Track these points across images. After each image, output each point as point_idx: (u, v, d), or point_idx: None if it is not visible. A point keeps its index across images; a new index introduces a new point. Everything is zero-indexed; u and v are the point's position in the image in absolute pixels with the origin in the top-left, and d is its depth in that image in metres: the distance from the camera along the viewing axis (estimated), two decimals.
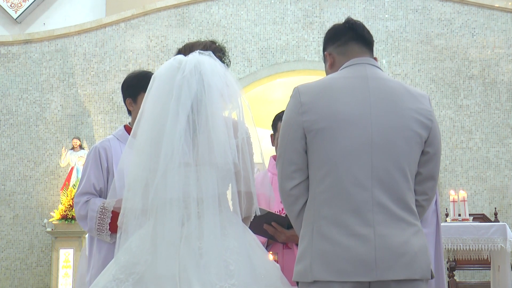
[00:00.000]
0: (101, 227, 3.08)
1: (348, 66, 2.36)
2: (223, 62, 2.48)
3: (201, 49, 2.42)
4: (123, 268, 2.22)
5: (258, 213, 2.45)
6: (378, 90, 2.28)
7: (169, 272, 2.14)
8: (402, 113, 2.26)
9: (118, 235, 2.28)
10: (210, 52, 2.37)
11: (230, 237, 2.24)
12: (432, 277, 2.25)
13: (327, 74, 2.46)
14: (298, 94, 2.30)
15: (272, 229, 3.04)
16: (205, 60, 2.33)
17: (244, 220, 2.41)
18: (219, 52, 2.50)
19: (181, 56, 2.38)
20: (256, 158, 2.48)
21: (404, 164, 2.23)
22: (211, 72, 2.31)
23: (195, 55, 2.35)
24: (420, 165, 2.30)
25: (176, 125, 2.23)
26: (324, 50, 2.48)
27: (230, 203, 2.35)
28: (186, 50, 2.50)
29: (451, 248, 5.94)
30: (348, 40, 2.41)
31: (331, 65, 2.44)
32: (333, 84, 2.31)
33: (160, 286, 2.14)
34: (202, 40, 2.59)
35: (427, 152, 2.31)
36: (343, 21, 2.47)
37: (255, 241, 2.35)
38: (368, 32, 2.45)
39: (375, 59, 2.44)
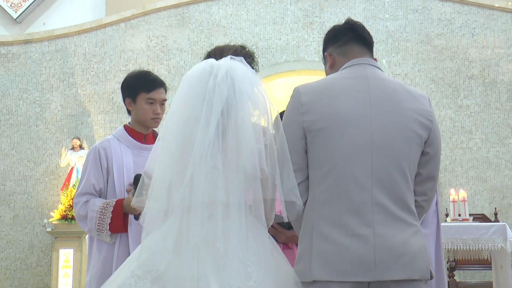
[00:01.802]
0: (100, 227, 3.08)
1: (349, 67, 2.36)
2: (252, 67, 2.49)
3: (232, 54, 2.44)
4: (142, 265, 2.23)
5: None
6: (378, 91, 2.28)
7: (188, 273, 2.15)
8: (402, 113, 2.26)
9: (143, 235, 2.27)
10: (242, 58, 2.39)
11: (250, 240, 2.24)
12: (431, 277, 2.25)
13: (327, 74, 2.46)
14: (298, 94, 2.31)
15: (273, 229, 3.04)
16: (237, 65, 2.35)
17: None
18: (249, 57, 2.52)
19: (213, 60, 2.39)
20: None
21: (404, 165, 2.24)
22: (242, 77, 2.32)
23: (227, 60, 2.36)
24: (420, 165, 2.30)
25: (207, 130, 2.24)
26: (324, 51, 2.49)
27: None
28: (216, 53, 2.51)
29: (451, 248, 5.94)
30: (348, 40, 2.41)
31: (331, 66, 2.44)
32: (333, 84, 2.31)
33: (178, 286, 2.15)
34: (232, 44, 2.60)
35: (427, 153, 2.31)
36: (343, 22, 2.47)
37: (275, 246, 2.34)
38: (368, 32, 2.46)
39: (375, 59, 2.44)
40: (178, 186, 2.24)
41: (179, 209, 2.23)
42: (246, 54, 2.52)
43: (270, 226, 2.72)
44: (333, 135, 2.22)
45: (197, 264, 2.16)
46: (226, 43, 2.68)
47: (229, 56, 2.39)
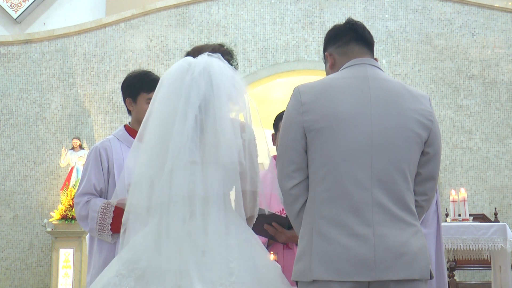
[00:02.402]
0: (102, 227, 3.08)
1: (349, 67, 2.36)
2: (231, 64, 2.51)
3: (210, 52, 2.46)
4: (126, 264, 2.24)
5: (261, 213, 2.46)
6: (378, 91, 2.28)
7: (170, 268, 2.16)
8: (402, 113, 2.26)
9: (121, 231, 2.31)
10: (219, 55, 2.41)
11: (232, 236, 2.25)
12: (431, 277, 2.25)
13: (327, 74, 2.46)
14: (298, 93, 2.31)
15: (273, 229, 3.04)
16: (214, 61, 2.38)
17: (248, 219, 2.42)
18: (227, 55, 2.54)
19: (190, 58, 2.42)
20: (263, 159, 2.50)
21: (404, 165, 2.24)
22: (219, 73, 2.35)
23: (204, 57, 2.39)
24: (420, 165, 2.30)
25: (184, 125, 2.26)
26: (324, 50, 2.49)
27: (233, 203, 2.36)
28: (195, 52, 2.53)
29: (451, 248, 5.94)
30: (348, 40, 2.41)
31: (332, 66, 2.45)
32: (333, 84, 2.31)
33: (161, 282, 2.17)
34: (211, 43, 2.63)
35: (427, 153, 2.31)
36: (344, 21, 2.48)
37: (257, 241, 2.36)
38: (369, 32, 2.46)
39: (376, 59, 2.45)
40: (158, 182, 2.26)
41: (158, 204, 2.25)
42: (224, 52, 2.53)
43: (256, 219, 2.74)
44: (333, 135, 2.22)
45: (179, 259, 2.18)
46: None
47: (206, 53, 2.41)
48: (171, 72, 2.39)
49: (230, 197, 2.33)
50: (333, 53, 2.44)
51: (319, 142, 2.24)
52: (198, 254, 2.18)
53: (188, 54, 2.56)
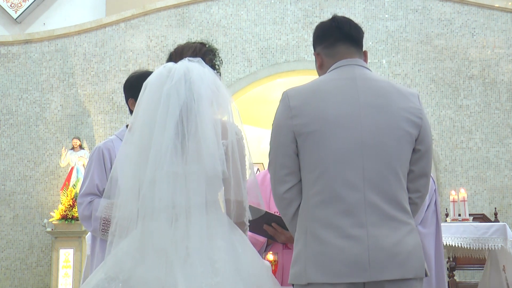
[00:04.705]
0: (106, 228, 3.08)
1: (336, 68, 2.36)
2: (214, 63, 2.50)
3: (191, 54, 2.45)
4: (113, 267, 2.25)
5: (251, 218, 2.45)
6: (367, 91, 2.29)
7: (154, 276, 2.17)
8: (391, 112, 2.26)
9: (108, 241, 2.30)
10: (199, 59, 2.40)
11: (217, 237, 2.26)
12: (426, 275, 2.25)
13: (317, 73, 2.47)
14: (287, 98, 2.31)
15: (272, 229, 3.04)
16: (194, 67, 2.36)
17: (239, 225, 2.40)
18: (209, 54, 2.52)
19: (171, 64, 2.41)
20: (253, 158, 2.49)
21: (396, 164, 2.24)
22: (200, 79, 2.33)
23: (184, 63, 2.38)
24: (412, 163, 2.31)
25: (164, 134, 2.25)
26: (314, 48, 2.49)
27: (223, 205, 2.37)
28: (177, 55, 2.51)
29: (451, 248, 5.95)
30: (334, 41, 2.41)
31: (320, 66, 2.45)
32: (321, 87, 2.32)
33: (146, 284, 2.18)
34: (192, 42, 2.59)
35: (419, 150, 2.31)
36: (330, 18, 2.46)
37: (245, 241, 2.36)
38: (356, 27, 2.43)
39: (365, 53, 2.44)
40: (141, 193, 2.26)
41: (141, 214, 2.25)
42: (206, 52, 2.51)
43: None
44: (323, 138, 2.22)
45: (164, 267, 2.18)
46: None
47: (187, 59, 2.39)
48: (152, 78, 2.38)
49: (217, 200, 2.32)
50: (321, 53, 2.44)
51: (310, 146, 2.24)
52: (181, 259, 2.18)
53: (171, 56, 2.54)
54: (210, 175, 2.25)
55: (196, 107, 2.29)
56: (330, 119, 2.23)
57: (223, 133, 2.32)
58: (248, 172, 2.42)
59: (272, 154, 2.33)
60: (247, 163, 2.41)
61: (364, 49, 2.47)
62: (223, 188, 2.31)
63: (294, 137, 2.26)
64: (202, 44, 2.55)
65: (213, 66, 2.48)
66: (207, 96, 2.31)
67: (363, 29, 2.50)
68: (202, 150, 2.25)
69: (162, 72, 2.37)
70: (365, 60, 2.44)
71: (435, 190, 3.27)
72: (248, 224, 2.45)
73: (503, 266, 5.93)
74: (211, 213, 2.28)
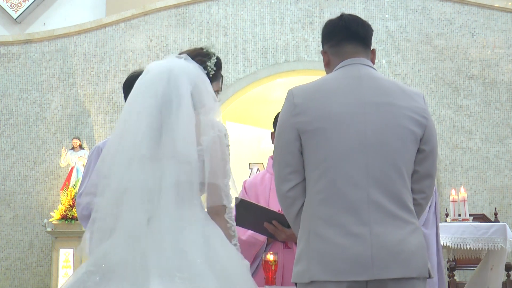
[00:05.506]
0: None
1: (342, 67, 2.37)
2: (206, 64, 2.58)
3: (188, 53, 2.57)
4: (95, 261, 2.33)
5: (233, 204, 2.51)
6: (371, 90, 2.29)
7: (128, 262, 2.24)
8: (396, 111, 2.26)
9: (88, 235, 2.40)
10: (186, 56, 2.50)
11: (191, 231, 2.30)
12: (430, 276, 2.25)
13: (325, 71, 2.48)
14: (291, 96, 2.32)
15: (272, 227, 3.05)
16: (176, 62, 2.46)
17: (211, 210, 2.45)
18: (200, 56, 2.61)
19: (157, 61, 2.53)
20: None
21: (400, 163, 2.24)
22: (181, 73, 2.42)
23: (169, 59, 2.49)
24: (416, 163, 2.30)
25: (141, 123, 2.35)
26: (322, 46, 2.50)
27: (203, 198, 2.43)
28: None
29: (451, 248, 5.94)
30: (341, 40, 2.41)
31: (327, 64, 2.46)
32: (326, 85, 2.32)
33: (120, 276, 2.24)
34: (192, 48, 2.72)
35: (423, 150, 2.31)
36: (339, 15, 2.47)
37: (219, 236, 2.39)
38: (364, 26, 2.43)
39: (373, 51, 2.44)
40: (114, 178, 2.35)
41: (116, 200, 2.33)
42: (199, 53, 2.61)
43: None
44: (327, 136, 2.22)
45: (138, 250, 2.25)
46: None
47: (174, 55, 2.50)
48: (142, 74, 2.50)
49: (191, 190, 2.37)
50: (327, 52, 2.45)
51: (314, 143, 2.24)
52: (155, 247, 2.24)
53: None
54: (183, 159, 2.32)
55: (175, 98, 2.36)
56: (334, 117, 2.23)
57: (205, 127, 2.39)
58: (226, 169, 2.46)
59: (276, 152, 2.34)
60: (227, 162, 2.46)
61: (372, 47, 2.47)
62: (196, 174, 2.36)
63: (298, 135, 2.26)
64: (200, 48, 2.66)
65: (204, 67, 2.56)
66: (187, 89, 2.39)
67: None
68: (177, 138, 2.32)
69: (147, 68, 2.49)
70: (373, 58, 2.44)
71: (435, 191, 3.27)
72: (231, 222, 2.47)
73: (491, 266, 5.93)
74: (186, 204, 2.33)
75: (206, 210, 2.44)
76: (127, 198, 2.31)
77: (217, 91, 2.71)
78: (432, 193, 2.42)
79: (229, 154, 2.45)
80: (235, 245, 2.46)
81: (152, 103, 2.36)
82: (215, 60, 2.65)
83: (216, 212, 2.44)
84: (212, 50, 2.68)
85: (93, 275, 2.29)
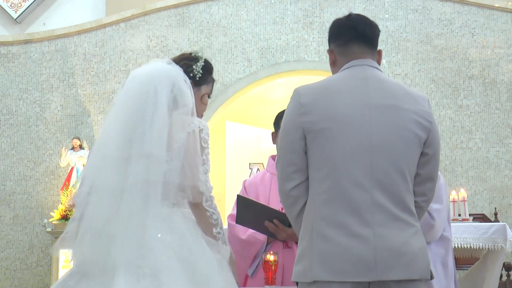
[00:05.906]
0: None
1: (348, 68, 2.37)
2: (192, 69, 2.67)
3: (176, 58, 2.70)
4: (77, 263, 2.46)
5: (211, 202, 2.53)
6: (377, 92, 2.29)
7: (95, 260, 2.35)
8: (401, 114, 2.26)
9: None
10: (169, 59, 2.60)
11: (160, 228, 2.37)
12: (431, 277, 2.25)
13: (331, 70, 2.48)
14: (298, 95, 2.32)
15: (273, 226, 3.05)
16: (159, 65, 2.57)
17: (194, 207, 2.51)
18: (187, 60, 2.70)
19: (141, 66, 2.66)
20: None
21: (403, 166, 2.24)
22: (161, 75, 2.51)
23: (152, 63, 2.60)
24: (419, 166, 2.31)
25: (116, 124, 2.47)
26: (328, 45, 2.50)
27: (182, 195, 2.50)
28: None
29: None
30: (348, 40, 2.41)
31: (333, 63, 2.46)
32: (333, 86, 2.32)
33: (92, 274, 2.34)
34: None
35: (426, 153, 2.31)
36: (346, 15, 2.47)
37: (191, 232, 2.44)
38: (371, 26, 2.43)
39: (379, 52, 2.44)
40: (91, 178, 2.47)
41: (84, 197, 2.46)
42: (187, 58, 2.71)
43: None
44: (332, 136, 2.22)
45: (103, 250, 2.34)
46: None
47: (155, 60, 2.62)
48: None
49: (161, 188, 2.43)
50: (334, 51, 2.44)
51: (319, 143, 2.24)
52: (119, 244, 2.32)
53: None
54: (155, 158, 2.40)
55: (153, 101, 2.45)
56: (340, 118, 2.23)
57: (181, 125, 2.47)
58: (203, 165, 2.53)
59: (280, 151, 2.34)
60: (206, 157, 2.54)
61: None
62: (179, 176, 2.44)
63: (304, 134, 2.26)
64: (189, 53, 2.75)
65: (190, 71, 2.65)
66: (166, 91, 2.49)
67: None
68: (147, 139, 2.41)
69: (132, 73, 2.60)
70: (379, 59, 2.44)
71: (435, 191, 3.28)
72: (212, 210, 2.52)
73: (489, 265, 5.92)
74: (155, 205, 2.39)
75: (187, 204, 2.52)
76: (93, 197, 2.41)
77: (207, 94, 2.75)
78: (433, 196, 2.42)
79: (208, 146, 2.53)
80: (218, 233, 2.51)
81: (130, 107, 2.47)
82: (203, 63, 2.71)
83: (195, 203, 2.51)
84: (200, 55, 2.75)
85: (76, 274, 2.40)
